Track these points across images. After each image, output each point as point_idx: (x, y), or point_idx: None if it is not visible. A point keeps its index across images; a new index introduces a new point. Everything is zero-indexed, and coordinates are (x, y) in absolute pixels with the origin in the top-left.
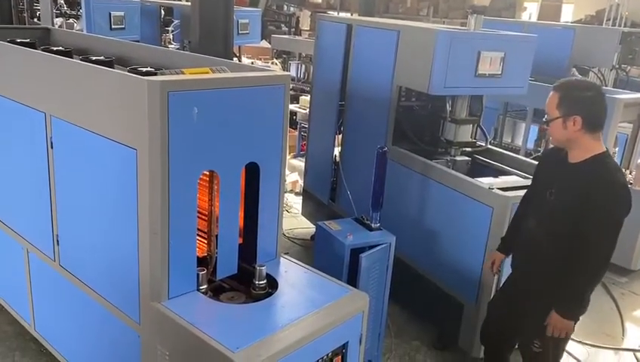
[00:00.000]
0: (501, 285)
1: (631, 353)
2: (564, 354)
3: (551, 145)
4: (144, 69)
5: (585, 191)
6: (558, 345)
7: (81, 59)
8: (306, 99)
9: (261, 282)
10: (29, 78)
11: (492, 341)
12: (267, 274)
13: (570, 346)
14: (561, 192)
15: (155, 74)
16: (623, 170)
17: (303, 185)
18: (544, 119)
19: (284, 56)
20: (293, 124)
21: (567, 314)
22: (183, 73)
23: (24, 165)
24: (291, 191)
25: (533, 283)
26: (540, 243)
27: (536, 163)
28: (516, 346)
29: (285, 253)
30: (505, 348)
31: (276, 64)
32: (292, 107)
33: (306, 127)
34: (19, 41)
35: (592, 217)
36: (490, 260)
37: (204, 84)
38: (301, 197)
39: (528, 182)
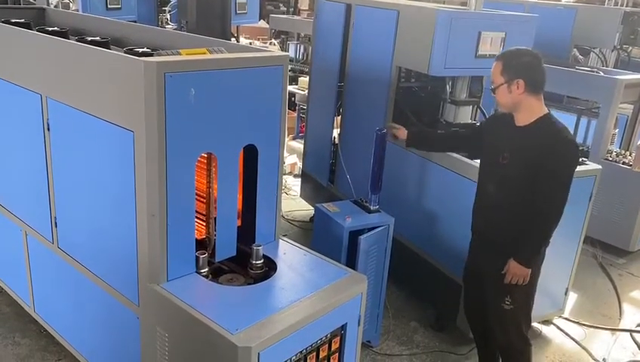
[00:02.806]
0: (466, 257)
1: (627, 333)
2: (561, 334)
3: (494, 111)
4: (140, 50)
5: (538, 149)
6: (526, 298)
7: (77, 40)
8: (304, 80)
9: (258, 261)
10: (25, 59)
11: (473, 315)
12: (266, 257)
13: (568, 326)
14: (515, 154)
15: (151, 55)
16: (623, 151)
17: (301, 167)
18: (491, 87)
19: (283, 36)
20: (292, 105)
21: (523, 260)
22: (180, 54)
23: (21, 148)
24: (290, 174)
25: (497, 242)
26: (499, 206)
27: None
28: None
29: (284, 235)
30: (485, 325)
31: (274, 44)
32: (291, 88)
33: (304, 109)
34: (13, 21)
35: (546, 169)
36: None
37: (201, 65)
38: (300, 180)
39: None
